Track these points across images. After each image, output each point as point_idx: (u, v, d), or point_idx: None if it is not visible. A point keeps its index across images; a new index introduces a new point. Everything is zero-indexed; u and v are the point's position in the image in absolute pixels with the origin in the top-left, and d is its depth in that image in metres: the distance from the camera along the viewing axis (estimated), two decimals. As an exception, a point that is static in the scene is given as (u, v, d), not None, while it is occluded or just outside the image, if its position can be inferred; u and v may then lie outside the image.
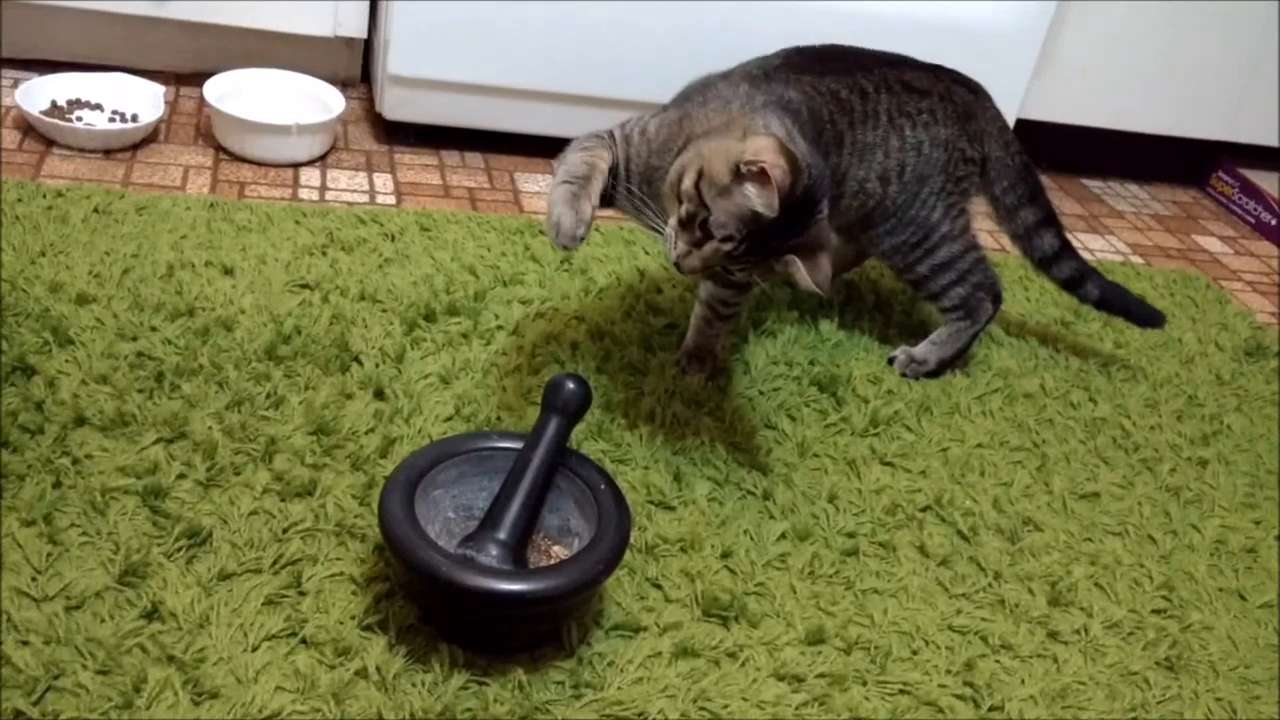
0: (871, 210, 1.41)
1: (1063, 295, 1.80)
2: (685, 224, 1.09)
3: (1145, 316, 1.60)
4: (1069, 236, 1.58)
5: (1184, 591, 1.23)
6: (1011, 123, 2.06)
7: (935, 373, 1.51)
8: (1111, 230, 2.17)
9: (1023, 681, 1.08)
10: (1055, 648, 1.13)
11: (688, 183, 1.08)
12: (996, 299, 1.51)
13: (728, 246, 1.08)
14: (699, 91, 1.25)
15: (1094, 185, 2.38)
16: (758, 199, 1.05)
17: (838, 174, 1.32)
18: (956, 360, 1.52)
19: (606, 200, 1.19)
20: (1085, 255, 2.01)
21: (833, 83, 1.33)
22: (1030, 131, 2.19)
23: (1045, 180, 2.35)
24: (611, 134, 1.22)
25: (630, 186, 1.19)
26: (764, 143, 1.06)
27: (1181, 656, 1.14)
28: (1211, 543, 1.31)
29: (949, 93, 1.45)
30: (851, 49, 1.44)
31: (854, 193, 1.37)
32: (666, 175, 1.14)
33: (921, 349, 1.52)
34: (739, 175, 1.05)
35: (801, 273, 1.08)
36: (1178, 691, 1.11)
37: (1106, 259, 2.02)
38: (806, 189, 1.07)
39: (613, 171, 1.18)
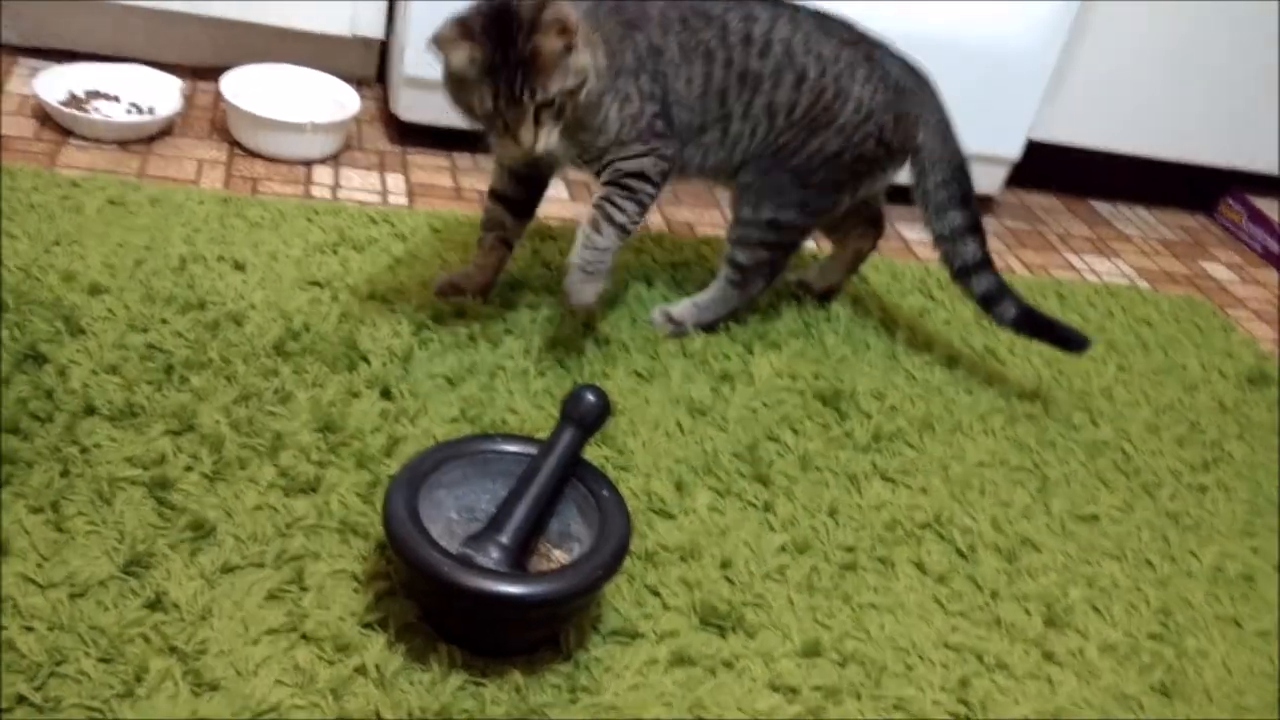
0: (760, 144, 1.41)
1: (1068, 315, 1.81)
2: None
3: (1066, 339, 1.52)
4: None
5: (1181, 617, 1.24)
6: (1021, 144, 2.08)
7: (683, 333, 1.50)
8: (1118, 253, 2.18)
9: (1017, 701, 1.08)
10: (1050, 668, 1.13)
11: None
12: (771, 280, 1.52)
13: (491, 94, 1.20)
14: None
15: (1102, 208, 2.38)
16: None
17: (713, 90, 1.36)
18: (713, 325, 1.52)
19: None
20: (1091, 278, 2.03)
21: (712, 5, 1.35)
22: (1040, 153, 2.20)
23: (1055, 202, 2.37)
24: None
25: None
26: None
27: (1176, 682, 1.15)
28: (1210, 569, 1.32)
29: (884, 65, 1.43)
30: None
31: (742, 116, 1.38)
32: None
33: (681, 309, 1.51)
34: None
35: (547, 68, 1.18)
36: (1172, 716, 1.11)
37: (1112, 282, 2.03)
38: (492, 18, 1.18)
39: None
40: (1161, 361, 1.75)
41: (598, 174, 1.35)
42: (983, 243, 1.51)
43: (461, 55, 1.17)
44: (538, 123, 1.20)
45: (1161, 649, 1.19)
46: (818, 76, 1.39)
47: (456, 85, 1.22)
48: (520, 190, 1.43)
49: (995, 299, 1.52)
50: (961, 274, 1.52)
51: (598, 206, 1.33)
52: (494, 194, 1.44)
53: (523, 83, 1.17)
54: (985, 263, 1.51)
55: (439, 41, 1.19)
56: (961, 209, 1.50)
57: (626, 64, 1.29)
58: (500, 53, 1.17)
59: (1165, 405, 1.63)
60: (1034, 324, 1.52)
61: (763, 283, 1.51)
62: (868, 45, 1.43)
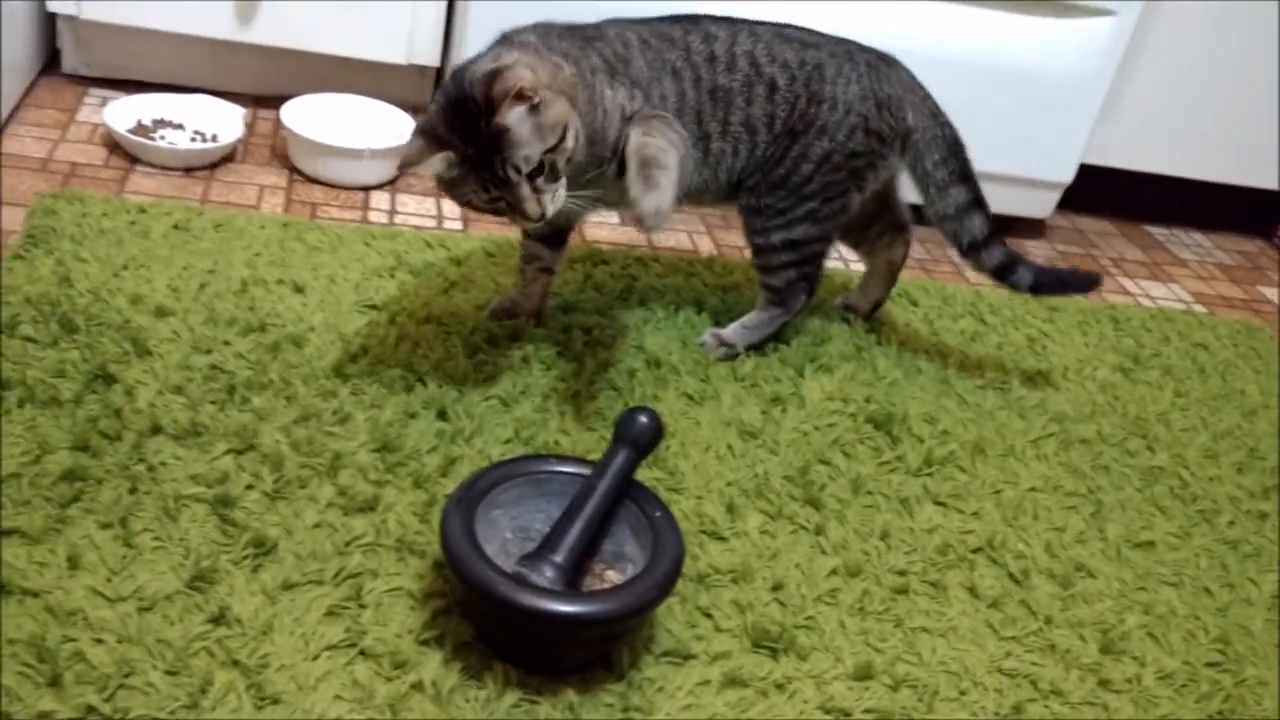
0: (746, 161, 1.41)
1: (1122, 340, 1.80)
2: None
3: (1082, 283, 1.57)
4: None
5: (1240, 646, 1.22)
6: (1074, 167, 2.07)
7: (735, 355, 1.50)
8: (1174, 278, 2.16)
9: (1072, 728, 1.08)
10: (1106, 696, 1.12)
11: None
12: (811, 292, 1.52)
13: (529, 166, 1.15)
14: None
15: (1158, 232, 2.36)
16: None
17: (689, 107, 1.34)
18: (762, 345, 1.53)
19: None
20: (1146, 303, 2.01)
21: (662, 27, 1.35)
22: (1095, 177, 2.19)
23: (1109, 226, 2.35)
24: None
25: None
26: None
27: (1235, 711, 1.13)
28: (1269, 597, 1.30)
29: (851, 58, 1.42)
30: (718, 17, 1.41)
31: (720, 134, 1.37)
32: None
33: (731, 331, 1.52)
34: None
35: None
36: (1230, 746, 1.10)
37: (1169, 306, 2.01)
38: (454, 99, 1.15)
39: None
40: (1219, 387, 1.73)
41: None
42: (988, 216, 1.51)
43: (436, 163, 1.15)
44: (538, 191, 1.17)
45: (1220, 677, 1.17)
46: (788, 84, 1.39)
47: (447, 188, 1.20)
48: (549, 228, 1.38)
49: (1009, 269, 1.53)
50: (971, 250, 1.52)
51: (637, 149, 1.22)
52: (524, 232, 1.44)
53: (503, 162, 1.13)
54: (993, 235, 1.52)
55: (408, 162, 1.15)
56: (963, 184, 1.49)
57: (598, 81, 1.25)
58: (471, 143, 1.14)
59: (1223, 431, 1.61)
60: (1051, 282, 1.55)
61: (804, 296, 1.52)
62: (830, 44, 1.43)
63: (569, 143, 1.17)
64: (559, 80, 1.18)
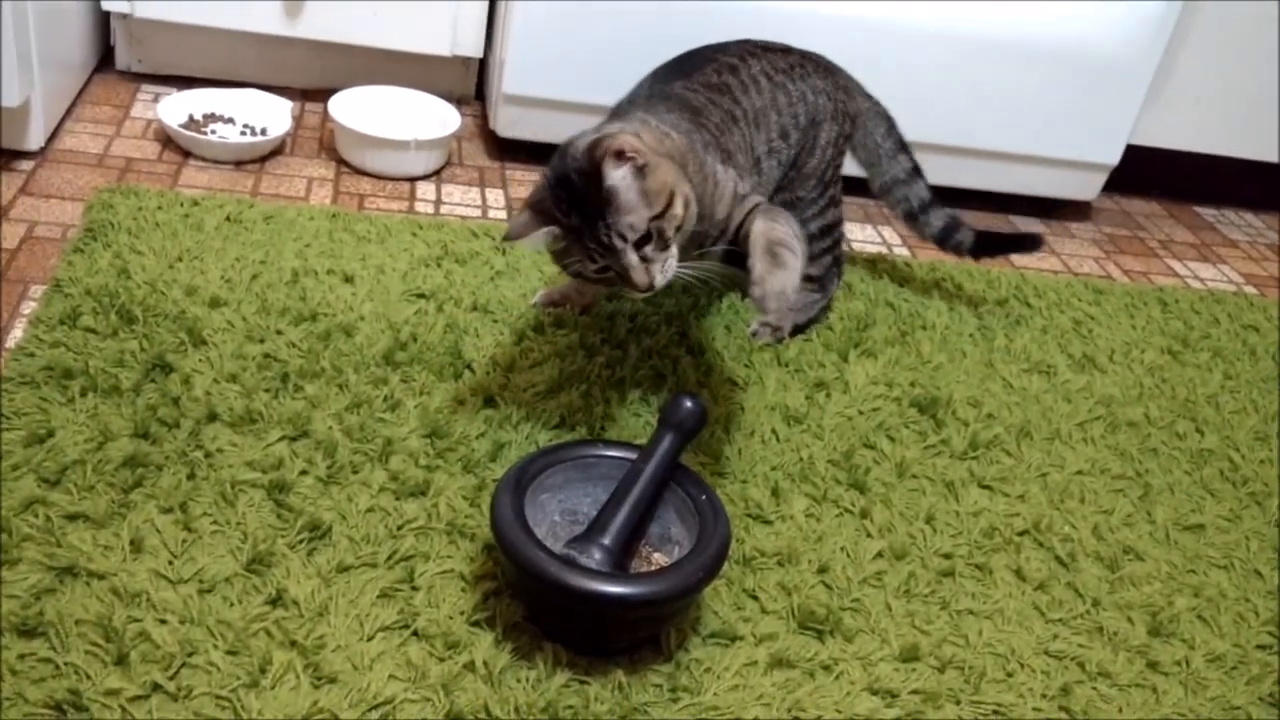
0: (788, 168, 1.45)
1: (1170, 323, 1.78)
2: (638, 245, 1.13)
3: (1023, 243, 1.69)
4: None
5: (1291, 628, 1.21)
6: (1121, 149, 2.05)
7: (781, 338, 1.50)
8: (1225, 260, 2.13)
9: (1120, 710, 1.07)
10: (1155, 678, 1.12)
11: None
12: (841, 272, 1.59)
13: (572, 234, 1.13)
14: None
15: (1207, 213, 2.33)
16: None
17: (745, 145, 1.36)
18: (805, 330, 1.56)
19: None
20: (1195, 284, 1.99)
21: (699, 76, 1.37)
22: (1142, 158, 2.17)
23: (1156, 208, 2.33)
24: None
25: None
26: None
27: (1286, 693, 1.13)
28: (1321, 580, 1.29)
29: (806, 54, 1.50)
30: (700, 48, 1.45)
31: (767, 154, 1.40)
32: None
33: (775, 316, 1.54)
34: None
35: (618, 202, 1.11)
36: (1281, 728, 1.09)
37: (1219, 288, 1.98)
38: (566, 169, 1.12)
39: None
40: (1270, 369, 1.71)
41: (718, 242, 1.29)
42: (927, 183, 1.62)
43: (544, 236, 1.14)
44: (646, 260, 1.13)
45: (1271, 660, 1.16)
46: (794, 85, 1.44)
47: (557, 259, 1.19)
48: None
49: (951, 231, 1.64)
50: (915, 215, 1.62)
51: (764, 237, 1.19)
52: None
53: (608, 229, 1.11)
54: (934, 200, 1.62)
55: (514, 235, 1.14)
56: (905, 154, 1.60)
57: (709, 155, 1.25)
58: (577, 212, 1.12)
59: (1274, 413, 1.59)
60: (991, 243, 1.67)
61: (837, 276, 1.59)
62: (785, 48, 1.49)
63: (677, 209, 1.13)
64: (665, 146, 1.17)
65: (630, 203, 1.10)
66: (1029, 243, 1.69)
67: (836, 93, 1.49)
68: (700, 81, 1.36)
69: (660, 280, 1.14)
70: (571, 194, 1.12)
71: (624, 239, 1.11)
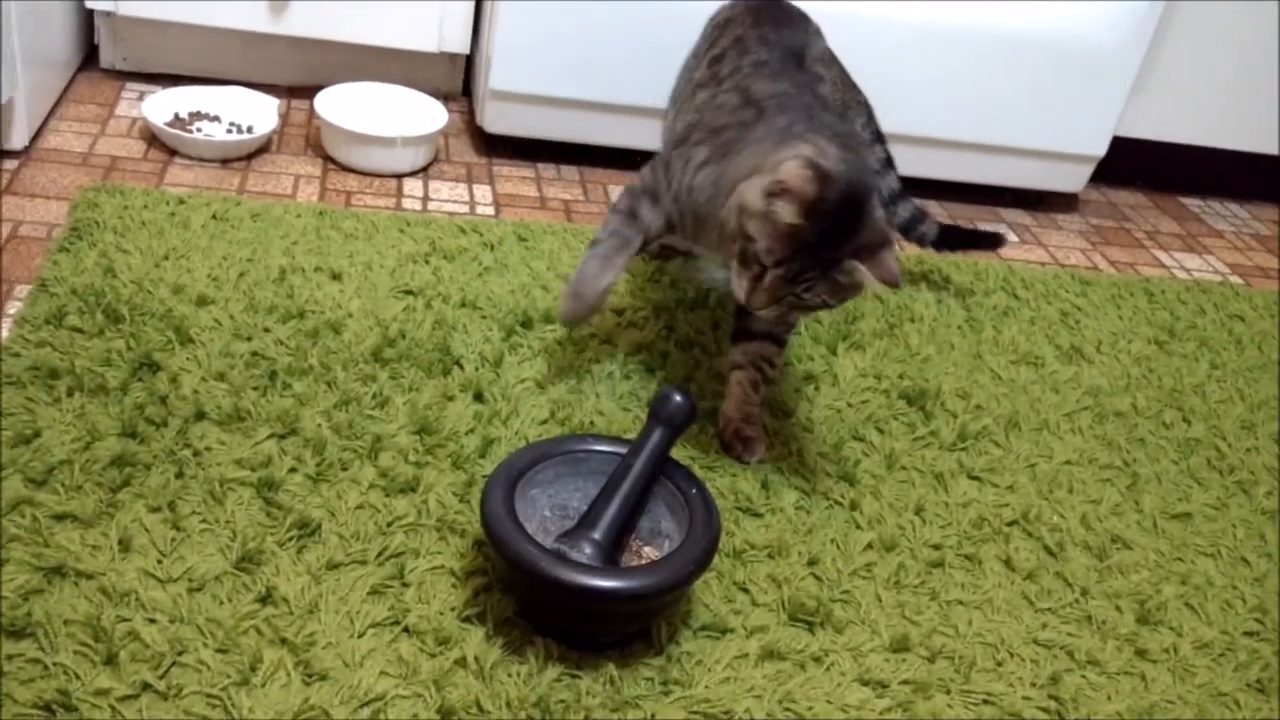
0: None
1: (1157, 313, 1.79)
2: (743, 262, 1.13)
3: (987, 239, 1.71)
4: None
5: (1278, 615, 1.22)
6: (1108, 141, 2.05)
7: None
8: (1210, 250, 2.14)
9: (1109, 698, 1.08)
10: (1143, 665, 1.12)
11: (733, 223, 1.13)
12: None
13: (781, 270, 1.10)
14: (742, 138, 1.23)
15: (1192, 204, 2.34)
16: (784, 212, 1.07)
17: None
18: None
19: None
20: (1181, 275, 2.00)
21: (787, 68, 1.35)
22: (1128, 150, 2.17)
23: (1143, 199, 2.33)
24: (653, 191, 1.29)
25: (689, 236, 1.27)
26: (789, 163, 1.09)
27: (1274, 679, 1.13)
28: (1308, 567, 1.30)
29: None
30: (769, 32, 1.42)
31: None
32: (710, 225, 1.20)
33: None
34: (769, 198, 1.08)
35: (865, 274, 1.09)
36: (1269, 714, 1.10)
37: (1204, 278, 1.99)
38: (843, 194, 1.08)
39: (669, 224, 1.28)
40: (1256, 358, 1.72)
41: None
42: (897, 174, 1.64)
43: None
44: None
45: (1258, 646, 1.17)
46: (825, 68, 1.45)
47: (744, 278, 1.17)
48: None
49: (916, 222, 1.66)
50: (884, 205, 1.60)
51: None
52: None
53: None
54: (903, 191, 1.64)
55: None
56: (881, 144, 1.61)
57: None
58: (831, 243, 1.11)
59: (1260, 401, 1.60)
60: (953, 238, 1.70)
61: None
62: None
63: None
64: None
65: (774, 234, 1.11)
66: (990, 240, 1.71)
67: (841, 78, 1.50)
68: (795, 83, 1.33)
69: (757, 301, 1.16)
70: (842, 224, 1.09)
71: (764, 264, 1.12)
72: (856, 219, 1.10)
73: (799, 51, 1.37)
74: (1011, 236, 2.03)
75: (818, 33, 1.45)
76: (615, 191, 1.92)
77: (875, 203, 1.12)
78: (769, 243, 1.10)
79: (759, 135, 1.21)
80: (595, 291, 1.27)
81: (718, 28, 1.44)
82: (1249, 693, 1.11)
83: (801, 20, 1.44)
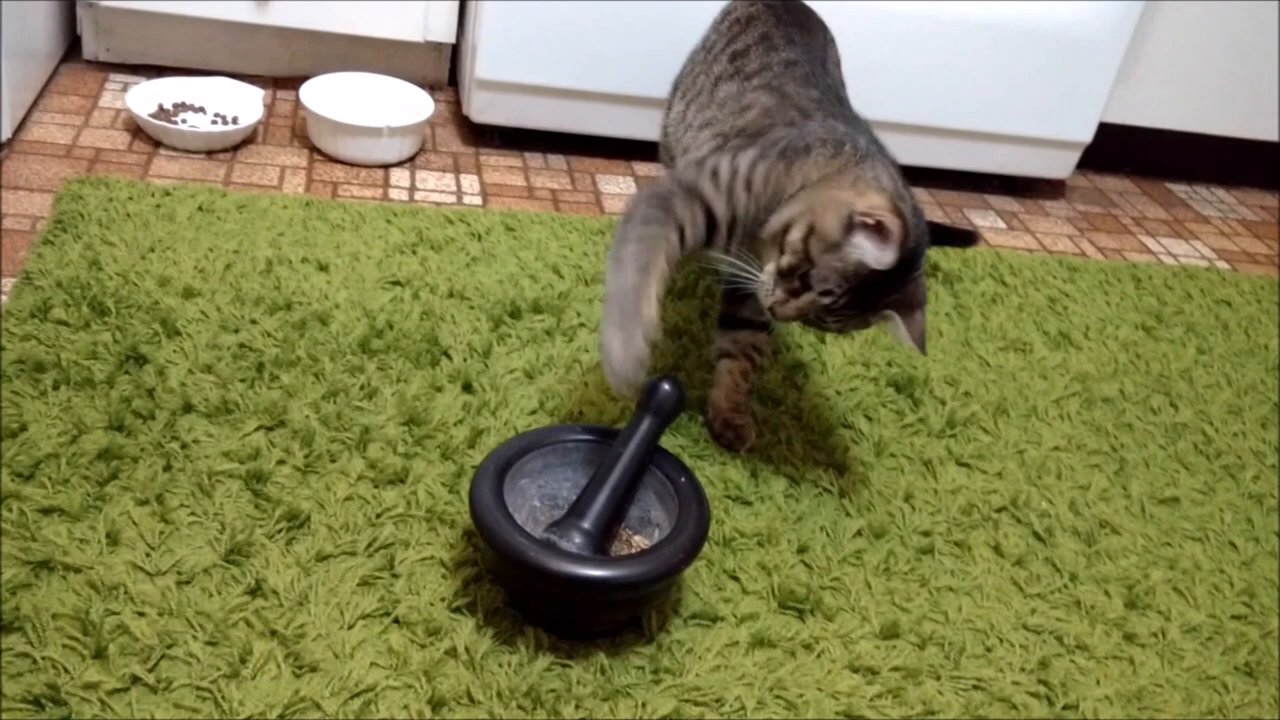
0: None
1: (1144, 299, 1.80)
2: (785, 274, 1.08)
3: (960, 238, 1.75)
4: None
5: (1265, 598, 1.23)
6: (1094, 127, 2.06)
7: None
8: (1197, 235, 2.15)
9: (1098, 682, 1.09)
10: (1132, 650, 1.13)
11: (795, 235, 1.07)
12: None
13: (826, 300, 1.07)
14: (795, 138, 1.17)
15: (1179, 190, 2.35)
16: (870, 252, 1.04)
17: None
18: None
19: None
20: (1168, 260, 2.00)
21: (805, 70, 1.32)
22: (1115, 135, 2.18)
23: (1129, 185, 2.34)
24: (695, 189, 1.14)
25: (732, 243, 1.16)
26: (880, 200, 1.05)
27: (1261, 662, 1.14)
28: (1294, 550, 1.30)
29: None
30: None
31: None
32: (766, 224, 1.12)
33: None
34: (850, 228, 1.04)
35: (901, 330, 1.08)
36: (1256, 697, 1.10)
37: (1191, 264, 2.00)
38: (911, 247, 1.06)
39: (710, 227, 1.14)
40: (1243, 343, 1.73)
41: None
42: None
43: None
44: None
45: (1246, 630, 1.18)
46: (826, 47, 1.44)
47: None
48: None
49: None
50: None
51: None
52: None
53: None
54: None
55: None
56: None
57: None
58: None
59: (1247, 386, 1.61)
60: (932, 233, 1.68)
61: None
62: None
63: None
64: None
65: (839, 268, 1.08)
66: (965, 238, 1.73)
67: None
68: (809, 79, 1.30)
69: (782, 314, 1.12)
70: (897, 274, 1.06)
71: (809, 287, 1.09)
72: (911, 269, 1.08)
73: (822, 57, 1.37)
74: (999, 223, 2.03)
75: (832, 40, 1.45)
76: (603, 180, 1.91)
77: (925, 260, 1.11)
78: (829, 273, 1.06)
79: (819, 137, 1.15)
80: (647, 319, 1.05)
81: (738, 24, 1.40)
82: (1237, 676, 1.12)
83: (820, 26, 1.44)
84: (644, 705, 0.97)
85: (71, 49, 1.96)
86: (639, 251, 1.08)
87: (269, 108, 1.92)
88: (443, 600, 1.03)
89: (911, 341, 1.08)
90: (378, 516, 1.11)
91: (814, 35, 1.40)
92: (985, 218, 2.04)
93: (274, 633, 0.97)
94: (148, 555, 1.02)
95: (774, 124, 1.20)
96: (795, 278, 1.08)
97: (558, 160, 1.95)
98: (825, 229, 1.05)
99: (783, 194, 1.12)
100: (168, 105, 1.80)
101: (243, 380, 1.25)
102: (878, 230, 1.03)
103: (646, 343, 1.04)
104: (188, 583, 1.00)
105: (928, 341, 1.56)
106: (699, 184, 1.14)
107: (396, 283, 1.47)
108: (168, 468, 1.12)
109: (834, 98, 1.28)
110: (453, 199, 1.76)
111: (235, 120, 1.81)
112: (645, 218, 1.11)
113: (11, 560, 0.98)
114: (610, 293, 1.07)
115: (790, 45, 1.33)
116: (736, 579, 1.12)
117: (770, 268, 1.10)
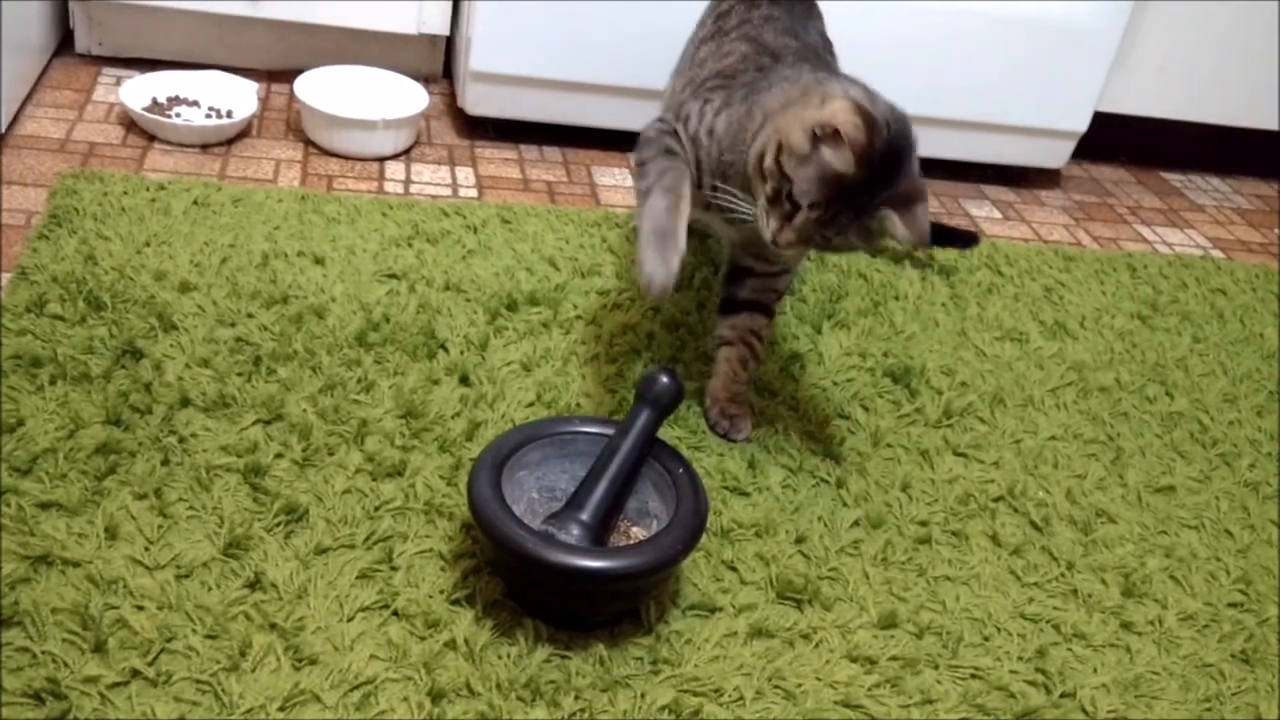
0: None
1: (1140, 288, 1.80)
2: (773, 200, 1.10)
3: (961, 239, 1.72)
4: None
5: (1261, 586, 1.23)
6: (1089, 116, 2.06)
7: None
8: (1192, 224, 2.15)
9: (1095, 670, 1.09)
10: (1129, 638, 1.13)
11: (769, 160, 1.09)
12: None
13: (816, 213, 1.08)
14: (760, 81, 1.22)
15: (1174, 179, 2.35)
16: (835, 159, 1.06)
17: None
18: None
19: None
20: (1163, 249, 2.00)
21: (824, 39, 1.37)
22: (1110, 125, 2.18)
23: (1125, 174, 2.34)
24: (675, 132, 1.22)
25: (705, 185, 1.20)
26: (839, 104, 1.07)
27: (1257, 650, 1.15)
28: (1290, 538, 1.31)
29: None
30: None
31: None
32: (738, 166, 1.15)
33: None
34: (815, 140, 1.06)
35: (898, 225, 1.08)
36: (1253, 684, 1.11)
37: (1186, 253, 2.00)
38: (888, 143, 1.07)
39: (696, 165, 1.20)
40: (1238, 331, 1.73)
41: None
42: None
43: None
44: None
45: (1242, 617, 1.18)
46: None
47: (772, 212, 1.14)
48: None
49: None
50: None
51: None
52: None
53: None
54: None
55: None
56: None
57: None
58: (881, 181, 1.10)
59: (1242, 375, 1.61)
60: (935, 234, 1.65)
61: None
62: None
63: None
64: None
65: (817, 177, 1.09)
66: (967, 239, 1.72)
67: None
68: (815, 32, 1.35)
69: (784, 240, 1.12)
70: (883, 172, 1.08)
71: (798, 205, 1.10)
72: (897, 168, 1.09)
73: (805, 21, 1.36)
74: (994, 213, 2.03)
75: (819, 14, 1.44)
76: (599, 172, 1.91)
77: (915, 154, 1.11)
78: (807, 184, 1.07)
79: (784, 76, 1.19)
80: (678, 236, 1.11)
81: None
82: (1233, 663, 1.13)
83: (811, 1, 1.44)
84: (643, 696, 0.97)
85: (64, 43, 1.96)
86: (661, 181, 1.16)
87: (263, 101, 1.91)
88: (441, 592, 1.03)
89: (912, 237, 1.07)
90: (376, 509, 1.11)
91: (801, 3, 1.40)
92: (981, 208, 2.04)
93: (273, 626, 0.97)
94: (146, 549, 1.02)
95: (746, 69, 1.23)
96: (784, 200, 1.09)
97: (553, 152, 1.95)
98: (793, 144, 1.08)
99: (745, 134, 1.16)
100: (161, 99, 1.80)
101: (240, 374, 1.25)
102: (836, 137, 1.05)
103: (678, 255, 1.10)
104: (187, 576, 1.00)
105: (926, 330, 1.56)
106: (677, 127, 1.22)
107: (393, 276, 1.47)
108: (165, 462, 1.11)
109: (813, 53, 1.29)
110: (448, 192, 1.76)
111: (230, 114, 1.80)
112: (661, 149, 1.20)
113: (10, 555, 0.98)
114: (643, 215, 1.13)
115: (773, 4, 1.35)
116: (734, 569, 1.13)
117: (761, 201, 1.12)
